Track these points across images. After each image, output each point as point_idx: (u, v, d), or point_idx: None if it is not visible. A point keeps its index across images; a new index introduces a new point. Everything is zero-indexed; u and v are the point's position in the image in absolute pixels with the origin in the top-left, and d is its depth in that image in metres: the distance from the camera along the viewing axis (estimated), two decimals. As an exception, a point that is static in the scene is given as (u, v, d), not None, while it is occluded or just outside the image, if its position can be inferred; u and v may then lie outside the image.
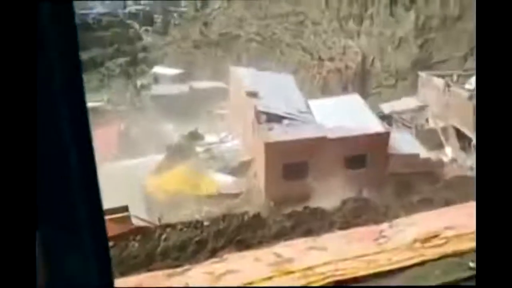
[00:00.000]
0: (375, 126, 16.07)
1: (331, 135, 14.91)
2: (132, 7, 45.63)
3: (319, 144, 14.47)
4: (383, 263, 5.32)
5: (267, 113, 16.79)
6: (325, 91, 29.24)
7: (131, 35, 41.61)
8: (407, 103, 21.84)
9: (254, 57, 34.58)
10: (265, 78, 20.26)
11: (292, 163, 13.14)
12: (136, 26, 42.92)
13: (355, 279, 5.24)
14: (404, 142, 17.02)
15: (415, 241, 5.90)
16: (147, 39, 41.68)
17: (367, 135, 15.30)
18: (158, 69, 35.20)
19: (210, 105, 25.50)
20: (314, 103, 18.49)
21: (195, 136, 19.48)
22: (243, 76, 20.03)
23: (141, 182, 15.45)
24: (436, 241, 5.60)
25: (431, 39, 29.66)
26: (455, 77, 20.68)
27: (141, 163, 17.41)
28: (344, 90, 28.48)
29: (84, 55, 34.83)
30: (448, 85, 20.34)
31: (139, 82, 33.67)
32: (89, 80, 31.96)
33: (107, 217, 6.72)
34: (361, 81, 30.01)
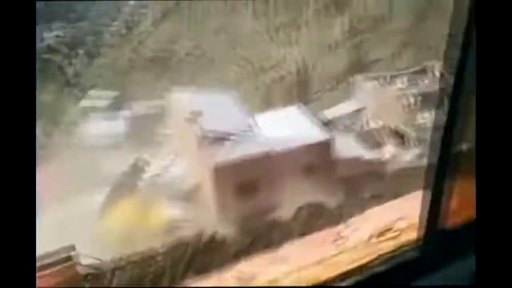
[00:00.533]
0: (318, 134, 16.79)
1: (276, 148, 15.40)
2: (57, 31, 44.24)
3: (265, 159, 14.89)
4: (344, 263, 5.51)
5: (209, 137, 17.02)
6: (270, 100, 29.86)
7: (60, 61, 40.35)
8: (347, 107, 22.89)
9: (191, 73, 34.72)
10: (205, 99, 20.52)
11: (240, 182, 13.34)
12: (65, 50, 41.77)
13: (316, 285, 5.38)
14: (347, 146, 17.90)
15: (371, 237, 6.19)
16: (78, 63, 40.64)
17: (312, 145, 15.96)
18: (93, 93, 34.40)
19: (152, 127, 25.30)
20: (256, 118, 19.01)
21: (137, 168, 19.13)
22: (182, 100, 20.29)
23: (88, 223, 14.79)
24: (390, 234, 5.90)
25: (365, 40, 31.13)
26: (388, 78, 22.04)
27: (85, 203, 16.67)
28: (289, 96, 29.30)
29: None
30: (380, 87, 21.68)
31: (73, 111, 32.68)
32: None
33: (54, 269, 6.34)
34: (303, 87, 30.98)
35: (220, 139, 17.54)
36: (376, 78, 21.96)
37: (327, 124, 21.68)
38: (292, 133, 18.33)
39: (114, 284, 6.75)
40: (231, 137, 17.50)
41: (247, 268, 7.04)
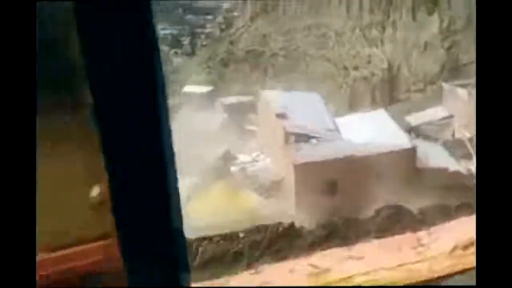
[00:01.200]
0: (402, 141, 15.83)
1: (358, 153, 14.80)
2: (160, 32, 47.17)
3: (347, 162, 14.38)
4: (424, 272, 5.10)
5: (295, 134, 16.94)
6: (353, 100, 28.86)
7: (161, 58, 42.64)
8: (434, 113, 21.14)
9: (279, 71, 34.70)
10: (293, 98, 20.44)
11: (321, 181, 13.09)
12: (165, 49, 44.15)
13: (395, 289, 5.04)
14: (433, 154, 16.54)
15: (455, 248, 5.65)
16: (177, 60, 42.71)
17: (394, 152, 15.03)
18: (188, 88, 35.90)
19: (241, 120, 25.83)
20: (340, 120, 18.49)
21: (229, 156, 19.62)
22: (272, 97, 20.39)
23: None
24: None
25: (457, 41, 28.81)
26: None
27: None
28: (372, 98, 28.05)
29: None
30: (471, 95, 19.69)
31: (171, 102, 34.48)
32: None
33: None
34: (388, 88, 29.42)
35: (305, 137, 17.42)
36: (467, 86, 20.06)
37: (412, 130, 20.26)
38: (374, 138, 17.65)
39: (197, 259, 7.01)
40: (315, 137, 17.27)
41: (321, 260, 6.86)
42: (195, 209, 14.66)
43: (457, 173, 13.75)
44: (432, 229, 6.58)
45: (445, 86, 22.01)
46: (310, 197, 10.95)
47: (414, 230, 6.47)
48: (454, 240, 5.80)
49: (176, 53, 43.20)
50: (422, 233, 6.48)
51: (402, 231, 6.57)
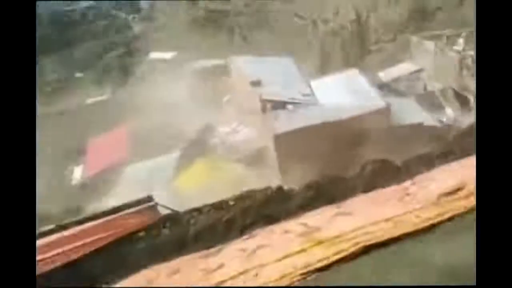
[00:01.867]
0: (376, 101, 16.36)
1: (334, 118, 15.33)
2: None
3: (324, 128, 14.89)
4: (413, 222, 5.34)
5: (271, 101, 17.01)
6: (324, 55, 28.78)
7: (120, 26, 40.99)
8: (404, 68, 21.63)
9: (246, 31, 34.01)
10: (266, 64, 20.25)
11: (300, 149, 13.49)
12: (123, 15, 42.29)
13: (387, 241, 5.28)
14: (407, 110, 17.16)
15: (440, 195, 5.90)
16: (136, 27, 41.09)
17: (370, 112, 15.64)
18: (153, 55, 34.86)
19: (211, 85, 25.48)
20: (315, 84, 18.67)
21: (209, 129, 19.49)
22: (245, 64, 20.14)
23: (163, 182, 15.45)
24: (461, 193, 5.60)
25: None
26: (444, 39, 20.46)
27: (160, 162, 17.32)
28: (343, 52, 28.03)
29: (78, 51, 34.40)
30: (439, 48, 20.21)
31: (137, 69, 33.44)
32: (89, 74, 31.74)
33: (135, 209, 6.74)
34: (359, 40, 29.43)
35: (281, 105, 17.32)
36: (434, 38, 20.15)
37: (384, 87, 20.38)
38: (349, 100, 17.86)
39: (190, 230, 7.08)
40: (292, 102, 17.18)
41: (312, 220, 7.06)
42: (182, 185, 14.67)
43: (432, 127, 14.35)
44: (417, 178, 6.83)
45: (413, 39, 22.35)
46: (293, 165, 11.19)
47: (400, 181, 6.71)
48: (439, 188, 6.06)
49: (134, 18, 41.43)
50: (407, 184, 6.73)
51: (388, 183, 6.81)
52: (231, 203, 6.93)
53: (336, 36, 31.62)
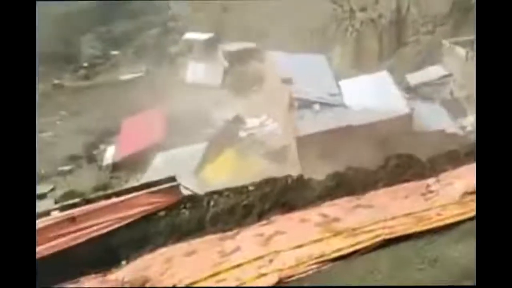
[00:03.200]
0: (400, 106, 16.27)
1: (357, 121, 15.48)
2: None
3: (347, 131, 15.16)
4: (433, 219, 5.21)
5: (299, 99, 17.17)
6: (359, 44, 28.10)
7: (159, 5, 41.41)
8: (433, 72, 20.95)
9: (282, 15, 33.62)
10: (299, 61, 20.35)
11: (322, 150, 13.61)
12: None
13: (406, 237, 5.18)
14: (431, 114, 16.92)
15: (464, 194, 5.71)
16: (175, 7, 41.41)
17: (392, 118, 15.66)
18: (189, 35, 35.11)
19: (244, 69, 25.48)
20: (343, 83, 18.65)
21: (238, 121, 19.71)
22: (277, 60, 20.28)
23: (191, 170, 15.63)
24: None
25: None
26: (475, 45, 19.50)
27: (189, 151, 17.49)
28: (379, 41, 27.29)
29: (116, 29, 35.03)
30: (469, 54, 19.27)
31: (173, 49, 33.81)
32: (125, 52, 32.40)
33: (157, 188, 6.90)
34: (396, 30, 28.55)
35: (308, 103, 17.60)
36: (467, 44, 19.75)
37: (411, 90, 20.33)
38: (375, 103, 18.03)
39: (209, 212, 7.19)
40: (318, 102, 17.39)
41: (331, 210, 7.01)
42: (208, 175, 14.88)
43: (453, 134, 14.09)
44: (442, 175, 6.63)
45: (445, 43, 21.57)
46: (314, 165, 11.29)
47: (424, 177, 6.53)
48: (463, 186, 5.86)
49: (173, -1, 41.67)
50: (431, 180, 6.55)
51: (411, 178, 6.64)
52: (251, 188, 6.96)
53: (373, 25, 30.80)
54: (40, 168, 17.32)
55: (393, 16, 27.97)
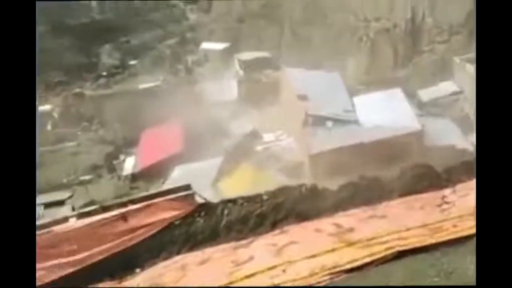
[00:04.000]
0: (412, 123, 16.62)
1: (370, 138, 15.88)
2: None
3: (359, 148, 15.51)
4: (449, 231, 5.09)
5: (314, 116, 17.62)
6: (374, 53, 27.90)
7: (177, 16, 42.02)
8: (444, 88, 21.07)
9: (297, 25, 33.70)
10: (314, 77, 20.90)
11: (334, 167, 13.94)
12: (181, 5, 43.28)
13: (420, 249, 5.07)
14: (443, 130, 17.18)
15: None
16: (193, 17, 41.97)
17: (404, 135, 16.00)
18: (205, 45, 35.51)
19: (258, 74, 25.79)
20: (357, 99, 19.14)
21: (255, 135, 20.08)
22: (294, 76, 20.94)
23: (208, 184, 15.81)
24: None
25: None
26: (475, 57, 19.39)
27: (207, 165, 17.70)
28: (394, 51, 27.06)
29: (135, 39, 35.65)
30: None
31: (189, 59, 34.23)
32: (143, 62, 32.86)
33: (173, 196, 6.90)
34: (411, 40, 28.29)
35: (322, 120, 17.82)
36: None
37: (423, 106, 20.36)
38: (388, 119, 18.19)
39: (223, 220, 7.18)
40: (332, 119, 17.60)
41: (345, 220, 6.92)
42: (225, 189, 14.94)
43: (463, 150, 14.15)
44: (458, 186, 6.50)
45: (455, 59, 21.62)
46: (327, 178, 11.43)
47: (439, 188, 6.40)
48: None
49: (192, 8, 42.35)
50: (447, 191, 6.42)
51: (427, 189, 6.51)
52: (265, 197, 6.94)
53: (388, 34, 30.57)
54: (62, 177, 17.67)
55: (408, 26, 27.74)
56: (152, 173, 18.00)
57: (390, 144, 15.14)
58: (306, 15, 35.85)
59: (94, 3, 38.12)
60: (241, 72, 28.19)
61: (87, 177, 18.40)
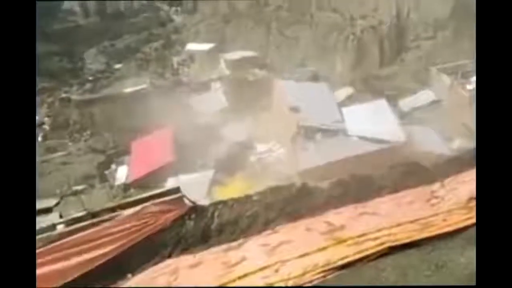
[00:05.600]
0: (397, 135, 17.71)
1: (355, 151, 16.84)
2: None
3: (347, 161, 16.41)
4: (439, 226, 5.14)
5: (305, 127, 18.37)
6: (360, 52, 28.13)
7: (162, 17, 41.82)
8: (423, 97, 22.20)
9: (284, 25, 33.82)
10: (304, 89, 21.78)
11: (324, 179, 14.73)
12: (166, 8, 43.09)
13: (411, 244, 5.11)
14: (425, 138, 18.26)
15: (470, 199, 5.65)
16: (178, 19, 41.83)
17: (390, 147, 17.09)
18: (191, 46, 35.44)
19: (244, 73, 25.94)
20: (346, 110, 20.14)
21: (247, 145, 20.38)
22: (285, 89, 21.72)
23: (202, 196, 15.80)
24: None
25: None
26: (459, 75, 20.54)
27: (200, 177, 17.73)
28: (380, 48, 27.32)
29: (120, 43, 35.41)
30: (456, 82, 20.47)
31: (175, 59, 34.09)
32: (128, 65, 32.65)
33: (162, 199, 6.86)
34: (397, 36, 28.55)
35: (312, 132, 18.56)
36: (452, 73, 20.99)
37: (405, 116, 21.55)
38: (374, 130, 19.44)
39: (214, 222, 7.16)
40: (322, 130, 18.38)
41: (336, 218, 6.95)
42: (218, 198, 14.99)
43: (442, 155, 14.94)
44: (446, 181, 6.57)
45: (432, 70, 22.60)
46: (319, 189, 12.17)
47: (428, 183, 6.47)
48: (468, 191, 5.79)
49: (177, 10, 42.19)
50: (436, 186, 6.49)
51: (416, 185, 6.58)
52: (255, 198, 6.94)
53: (374, 32, 30.85)
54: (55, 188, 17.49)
55: (393, 22, 28.01)
56: (144, 183, 17.89)
57: (377, 156, 16.10)
58: (293, 15, 36.05)
59: (77, 8, 37.72)
60: (227, 72, 28.27)
61: (79, 187, 18.22)
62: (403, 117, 20.05)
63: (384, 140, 16.99)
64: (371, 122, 18.37)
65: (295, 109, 19.02)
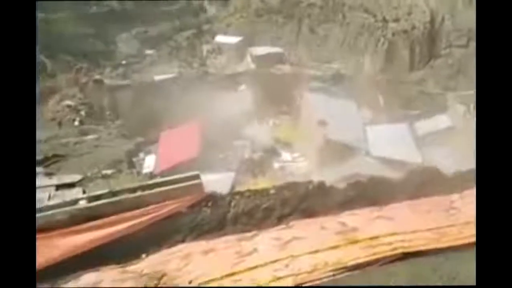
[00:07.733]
0: (414, 158, 17.59)
1: (377, 172, 16.97)
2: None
3: (367, 182, 16.49)
4: (454, 236, 5.04)
5: (332, 141, 18.58)
6: (390, 55, 27.61)
7: (196, 8, 42.10)
8: (438, 123, 22.03)
9: (315, 22, 33.47)
10: (333, 105, 21.88)
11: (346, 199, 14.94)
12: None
13: (424, 252, 5.03)
14: (440, 159, 18.23)
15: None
16: (211, 10, 42.02)
17: (407, 168, 17.16)
18: (219, 38, 35.60)
19: (269, 67, 25.96)
20: (369, 128, 20.24)
21: (273, 152, 20.61)
22: (314, 103, 21.88)
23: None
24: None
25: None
26: (471, 106, 20.23)
27: (223, 178, 17.83)
28: (411, 53, 26.75)
29: (153, 30, 35.85)
30: (468, 111, 20.23)
31: (204, 48, 34.33)
32: (160, 53, 33.09)
33: (182, 184, 6.94)
34: (429, 42, 27.86)
35: (337, 146, 18.76)
36: (466, 103, 21.03)
37: (421, 139, 21.83)
38: (394, 151, 19.85)
39: (230, 211, 7.21)
40: (347, 145, 18.70)
41: (351, 219, 6.89)
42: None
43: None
44: (465, 192, 6.41)
45: (449, 96, 22.31)
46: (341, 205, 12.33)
47: (447, 193, 6.33)
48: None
49: (210, 2, 42.43)
50: (455, 197, 6.35)
51: (435, 193, 6.44)
52: (272, 192, 6.94)
53: (406, 36, 30.19)
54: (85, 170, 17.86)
55: (427, 28, 27.34)
56: (170, 175, 18.08)
57: (396, 178, 16.37)
58: (325, 13, 35.60)
59: (113, -6, 38.33)
60: (252, 66, 28.32)
61: (108, 171, 18.59)
62: (420, 140, 20.22)
63: (403, 161, 17.27)
64: (392, 142, 18.73)
65: (322, 123, 19.25)
